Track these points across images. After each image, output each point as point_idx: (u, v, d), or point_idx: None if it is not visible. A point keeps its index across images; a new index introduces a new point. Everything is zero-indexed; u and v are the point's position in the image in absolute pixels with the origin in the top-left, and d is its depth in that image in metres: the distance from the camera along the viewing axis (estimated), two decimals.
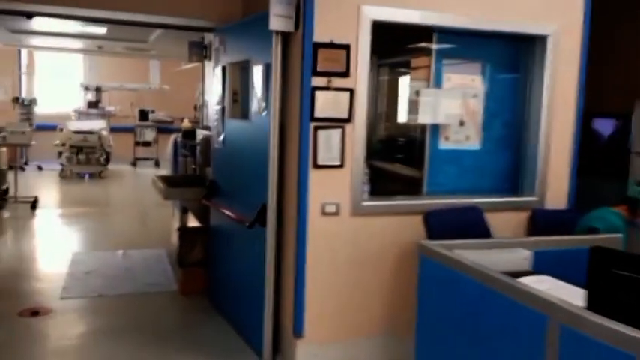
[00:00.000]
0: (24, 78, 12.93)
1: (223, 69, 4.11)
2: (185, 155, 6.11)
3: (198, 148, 5.07)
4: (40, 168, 11.99)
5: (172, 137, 7.70)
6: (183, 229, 4.82)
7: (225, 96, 4.10)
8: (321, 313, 3.34)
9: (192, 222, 5.81)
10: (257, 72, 3.53)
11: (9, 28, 7.55)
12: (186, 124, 12.99)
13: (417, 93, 3.85)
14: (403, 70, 4.57)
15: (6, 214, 7.82)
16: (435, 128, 3.72)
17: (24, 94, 12.71)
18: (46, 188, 10.28)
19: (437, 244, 2.74)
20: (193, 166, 5.65)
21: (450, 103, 3.74)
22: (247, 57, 3.71)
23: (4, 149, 8.44)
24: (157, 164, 13.39)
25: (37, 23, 7.37)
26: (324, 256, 3.30)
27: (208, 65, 5.86)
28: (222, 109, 4.14)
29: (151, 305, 4.52)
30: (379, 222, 3.39)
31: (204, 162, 4.92)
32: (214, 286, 4.44)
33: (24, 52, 12.77)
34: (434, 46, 3.67)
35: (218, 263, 4.37)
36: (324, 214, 3.27)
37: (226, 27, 4.10)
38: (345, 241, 3.33)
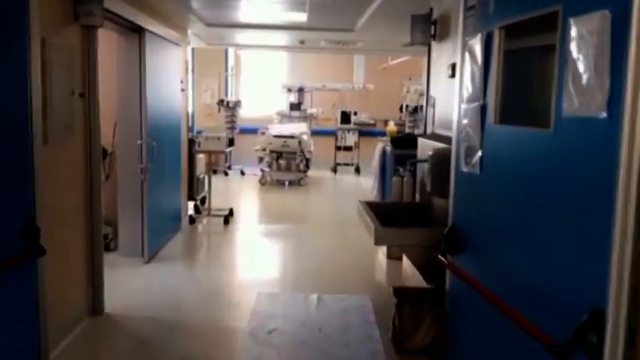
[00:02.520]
0: (230, 80, 12.69)
1: (487, 39, 2.36)
2: (400, 173, 4.48)
3: (427, 166, 3.39)
4: (242, 173, 11.55)
5: (379, 145, 6.19)
6: (402, 297, 3.16)
7: (489, 86, 2.34)
8: None
9: (410, 271, 4.18)
10: (582, 27, 1.71)
11: (205, 22, 6.76)
12: (391, 127, 11.53)
13: None
14: None
15: (199, 227, 7.09)
16: None
17: (229, 97, 12.46)
18: (243, 196, 9.62)
19: None
20: (415, 193, 3.99)
21: None
22: (552, 5, 1.90)
23: (202, 156, 7.81)
24: (357, 170, 12.20)
25: (236, 14, 6.44)
26: None
27: (437, 48, 4.16)
28: (482, 109, 2.39)
29: None
30: None
31: (435, 189, 3.23)
32: None
33: (230, 54, 12.51)
34: None
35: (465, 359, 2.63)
36: None
37: None
38: None
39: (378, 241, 3.19)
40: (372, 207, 3.79)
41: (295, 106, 12.39)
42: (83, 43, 3.77)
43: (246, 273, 5.38)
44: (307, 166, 10.49)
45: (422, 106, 12.42)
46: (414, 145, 5.78)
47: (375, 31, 6.96)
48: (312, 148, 10.57)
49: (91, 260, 3.98)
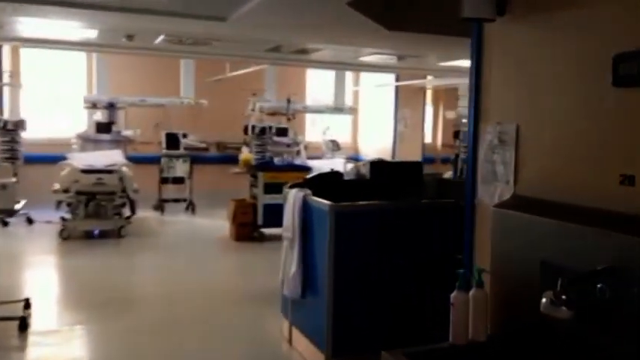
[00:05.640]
0: (6, 91, 9.15)
1: None
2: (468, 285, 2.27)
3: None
4: (29, 220, 8.10)
5: (293, 194, 3.91)
6: None
7: None
8: None
9: None
10: None
11: None
12: (246, 155, 9.24)
13: None
14: None
15: None
16: None
17: (6, 115, 8.94)
18: (40, 265, 6.44)
19: None
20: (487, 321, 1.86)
21: None
22: None
23: None
24: (191, 208, 9.69)
25: None
26: None
27: (521, 29, 2.16)
28: None
29: None
30: None
31: None
32: None
33: (5, 55, 9.03)
34: None
35: None
36: None
37: None
38: None
39: None
40: None
41: (104, 127, 9.35)
42: None
43: None
44: (133, 211, 7.66)
45: (270, 127, 10.41)
46: (361, 195, 3.71)
47: (259, 22, 4.73)
48: (135, 185, 7.74)
49: None
